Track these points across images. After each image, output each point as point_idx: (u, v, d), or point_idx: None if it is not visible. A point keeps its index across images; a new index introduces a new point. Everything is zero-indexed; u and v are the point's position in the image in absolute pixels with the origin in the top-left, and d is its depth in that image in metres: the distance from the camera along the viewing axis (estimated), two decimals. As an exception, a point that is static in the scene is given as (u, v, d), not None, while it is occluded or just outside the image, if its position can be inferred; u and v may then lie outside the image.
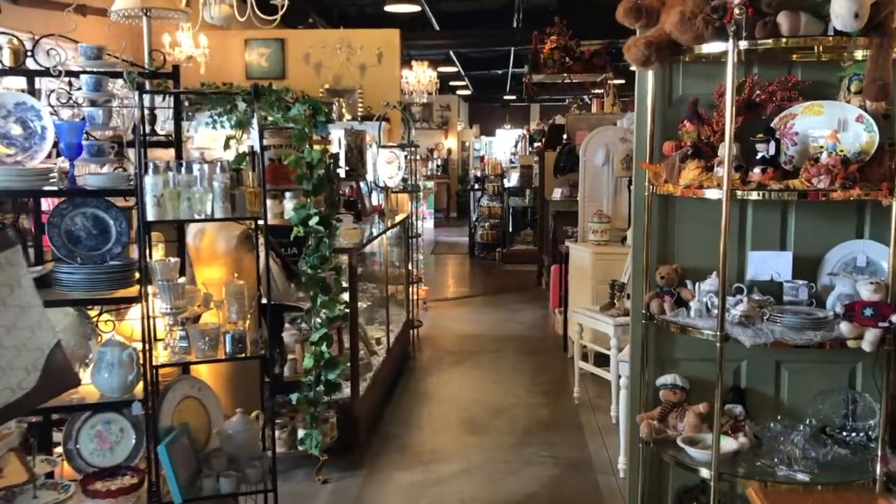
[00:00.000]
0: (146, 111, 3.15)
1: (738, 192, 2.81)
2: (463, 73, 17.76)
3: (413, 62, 13.78)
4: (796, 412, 3.19)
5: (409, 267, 7.39)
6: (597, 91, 14.31)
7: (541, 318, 8.48)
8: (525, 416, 5.41)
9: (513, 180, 13.02)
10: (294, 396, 4.34)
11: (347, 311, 4.69)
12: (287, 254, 4.55)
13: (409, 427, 5.23)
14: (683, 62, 3.16)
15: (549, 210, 9.58)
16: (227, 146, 4.23)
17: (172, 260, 2.94)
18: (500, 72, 18.39)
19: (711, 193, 2.88)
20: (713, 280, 3.07)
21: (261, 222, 3.20)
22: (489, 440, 4.99)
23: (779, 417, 3.14)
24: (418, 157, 9.04)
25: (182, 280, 2.97)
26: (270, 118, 4.20)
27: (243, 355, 2.97)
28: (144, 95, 2.95)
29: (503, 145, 22.12)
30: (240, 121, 4.19)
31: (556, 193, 9.39)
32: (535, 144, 15.88)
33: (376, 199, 7.27)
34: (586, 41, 12.15)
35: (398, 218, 6.94)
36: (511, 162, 16.20)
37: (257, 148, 4.13)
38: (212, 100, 3.17)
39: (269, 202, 4.19)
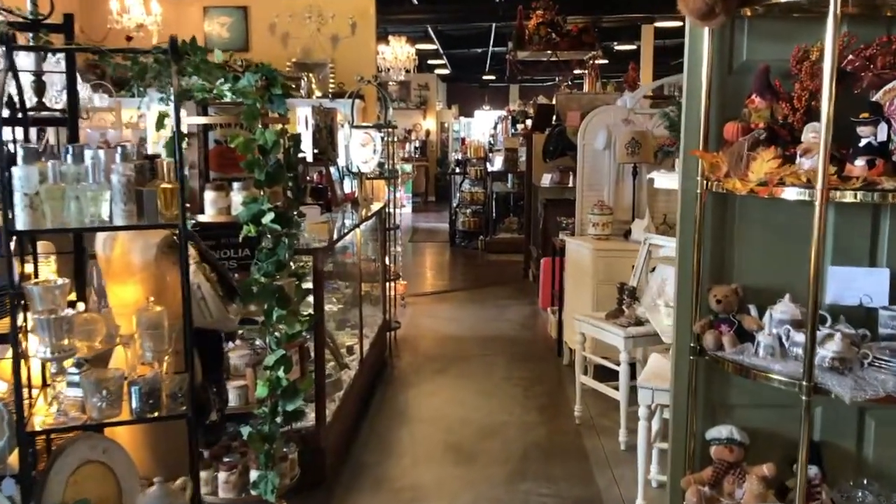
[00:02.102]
0: (32, 77, 2.34)
1: (836, 192, 2.07)
2: (442, 51, 16.92)
3: (390, 37, 12.95)
4: (886, 474, 2.49)
5: (387, 262, 6.62)
6: (578, 71, 13.63)
7: (530, 317, 7.74)
8: (520, 440, 4.67)
9: (496, 164, 12.24)
10: (245, 430, 3.57)
11: (312, 322, 3.94)
12: (236, 256, 3.77)
13: (385, 455, 4.48)
14: (748, 17, 2.41)
15: (538, 197, 8.83)
16: (160, 125, 3.43)
17: (59, 281, 2.15)
18: (479, 51, 17.61)
19: (793, 193, 2.14)
20: (786, 305, 2.34)
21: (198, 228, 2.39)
22: (479, 471, 4.25)
23: (865, 482, 2.43)
24: (396, 139, 8.25)
25: (73, 311, 2.18)
26: (215, 90, 3.40)
27: (155, 414, 2.19)
28: (19, 53, 2.13)
29: (482, 127, 21.35)
30: (175, 94, 3.40)
31: (546, 179, 8.64)
32: (518, 126, 15.15)
33: (349, 185, 6.48)
34: (571, 17, 11.50)
35: (374, 207, 6.15)
36: (491, 144, 15.44)
37: (184, 127, 3.36)
38: (108, 62, 2.33)
39: (212, 194, 3.41)
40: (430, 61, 18.24)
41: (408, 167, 17.20)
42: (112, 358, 2.50)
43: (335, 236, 4.78)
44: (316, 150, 6.18)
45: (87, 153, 2.06)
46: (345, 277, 5.72)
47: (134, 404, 2.17)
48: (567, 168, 8.51)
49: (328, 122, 6.14)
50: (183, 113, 3.41)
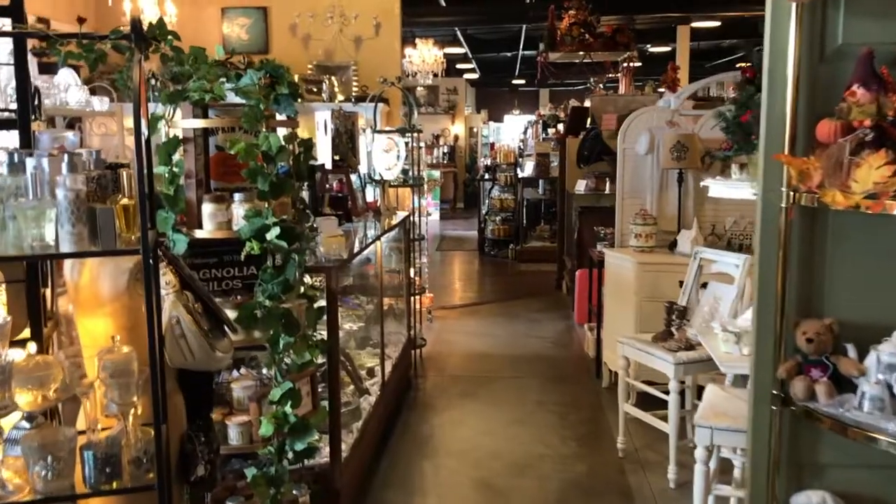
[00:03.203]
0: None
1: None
2: (470, 55, 16.52)
3: (417, 40, 12.60)
4: None
5: (412, 274, 6.21)
6: (611, 75, 13.26)
7: (564, 332, 7.29)
8: (556, 476, 4.23)
9: (527, 170, 11.79)
10: (249, 473, 3.18)
11: (325, 348, 3.55)
12: (241, 275, 3.38)
13: (407, 492, 4.06)
14: (845, -8, 1.97)
15: (571, 205, 8.38)
16: (151, 130, 3.07)
17: (-1, 319, 1.76)
18: (509, 54, 17.20)
19: (912, 208, 1.69)
20: (896, 346, 1.89)
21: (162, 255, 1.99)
22: (512, 513, 3.83)
23: None
24: (422, 145, 7.86)
25: (20, 353, 1.80)
26: (215, 90, 3.03)
27: (113, 485, 1.79)
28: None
29: (511, 131, 20.92)
30: (168, 94, 3.03)
31: (580, 185, 8.18)
32: (550, 130, 14.70)
33: (372, 194, 6.09)
34: (605, 17, 11.13)
35: (398, 217, 5.74)
36: (521, 149, 15.02)
37: (179, 131, 3.00)
38: (58, 50, 1.92)
39: (211, 207, 3.04)
40: (458, 65, 17.87)
41: (436, 173, 16.80)
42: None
43: (355, 249, 4.39)
44: (336, 157, 5.81)
45: (29, 162, 1.68)
46: (366, 293, 5.33)
47: (87, 473, 1.78)
48: (603, 174, 8.06)
49: (349, 126, 5.76)
50: (178, 115, 3.06)
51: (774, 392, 2.03)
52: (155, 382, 1.71)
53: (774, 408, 2.03)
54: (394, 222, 5.52)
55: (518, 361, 6.37)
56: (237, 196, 3.02)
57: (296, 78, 7.40)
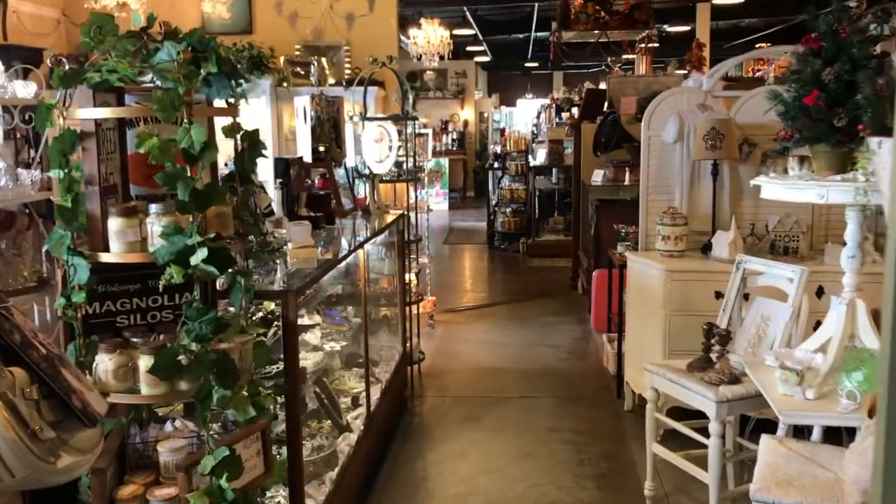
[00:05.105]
0: None
1: None
2: (481, 36, 15.72)
3: (422, 20, 11.84)
4: None
5: (407, 281, 5.49)
6: (627, 56, 12.59)
7: (580, 340, 6.56)
8: (572, 530, 3.53)
9: (539, 158, 11.04)
10: (180, 559, 2.51)
11: (284, 390, 2.87)
12: (171, 305, 2.67)
13: (393, 554, 3.38)
14: None
15: (587, 197, 7.64)
16: (43, 122, 2.38)
17: None
18: (521, 36, 16.40)
19: None
20: None
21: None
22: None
23: None
24: (429, 131, 7.14)
25: None
26: (120, 70, 2.32)
27: None
28: None
29: (525, 116, 20.14)
30: (62, 75, 2.33)
31: (597, 176, 7.44)
32: (563, 115, 13.96)
33: (363, 190, 5.38)
34: (621, -7, 10.40)
35: (391, 216, 5.01)
36: (534, 134, 14.26)
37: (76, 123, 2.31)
38: None
39: (119, 222, 2.35)
40: (468, 48, 17.06)
41: (444, 161, 16.06)
42: None
43: (340, 255, 3.71)
44: (321, 148, 5.11)
45: None
46: (356, 304, 4.62)
47: None
48: (622, 163, 7.32)
49: (332, 113, 5.05)
50: (68, 102, 2.37)
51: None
52: None
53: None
54: (386, 222, 4.81)
55: (529, 377, 5.65)
56: (153, 208, 2.32)
57: (281, 60, 6.68)
